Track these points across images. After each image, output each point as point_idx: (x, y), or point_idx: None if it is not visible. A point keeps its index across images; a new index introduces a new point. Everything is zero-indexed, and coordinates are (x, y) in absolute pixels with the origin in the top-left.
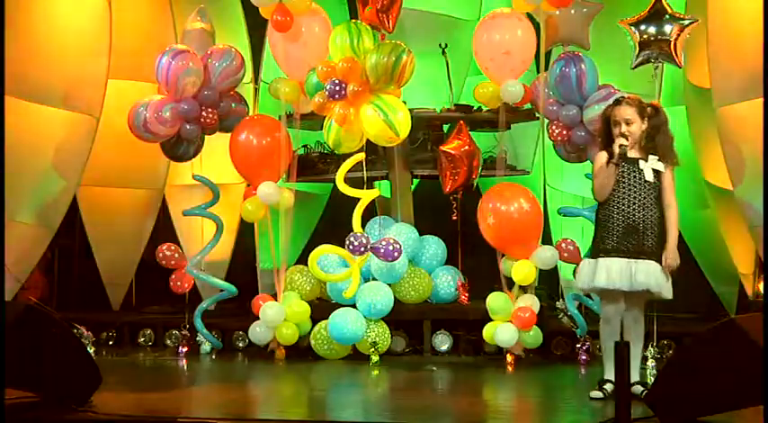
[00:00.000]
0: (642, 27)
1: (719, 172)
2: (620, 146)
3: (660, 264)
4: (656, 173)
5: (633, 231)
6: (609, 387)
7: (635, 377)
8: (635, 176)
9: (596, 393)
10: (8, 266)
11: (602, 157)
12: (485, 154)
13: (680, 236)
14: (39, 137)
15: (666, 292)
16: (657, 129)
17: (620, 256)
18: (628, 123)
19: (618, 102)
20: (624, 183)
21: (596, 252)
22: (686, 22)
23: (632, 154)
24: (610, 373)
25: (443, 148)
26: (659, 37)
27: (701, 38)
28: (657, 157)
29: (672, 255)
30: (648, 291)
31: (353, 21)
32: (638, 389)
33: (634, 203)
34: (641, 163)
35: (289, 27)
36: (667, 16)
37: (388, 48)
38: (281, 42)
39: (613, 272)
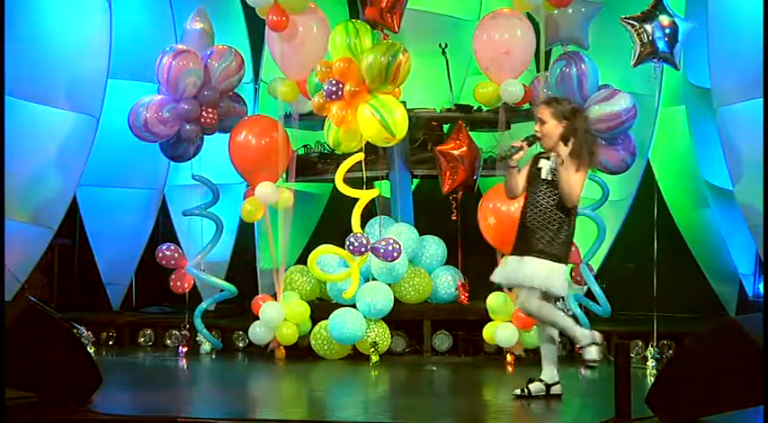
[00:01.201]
0: (641, 25)
1: (719, 172)
2: (512, 146)
3: (551, 261)
4: (557, 172)
5: (523, 228)
6: (534, 387)
7: (583, 341)
8: (538, 176)
9: (517, 391)
10: (10, 267)
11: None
12: (485, 154)
13: (680, 236)
14: (39, 137)
15: (555, 289)
16: (574, 132)
17: (512, 254)
18: (542, 123)
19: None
20: (532, 181)
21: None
22: (682, 24)
23: (544, 154)
24: (545, 373)
25: (439, 148)
26: (653, 37)
27: (701, 38)
28: (558, 155)
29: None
30: (544, 289)
31: (352, 20)
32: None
33: (529, 202)
34: (542, 161)
35: (285, 27)
36: (666, 17)
37: (384, 47)
38: (279, 42)
39: (508, 268)
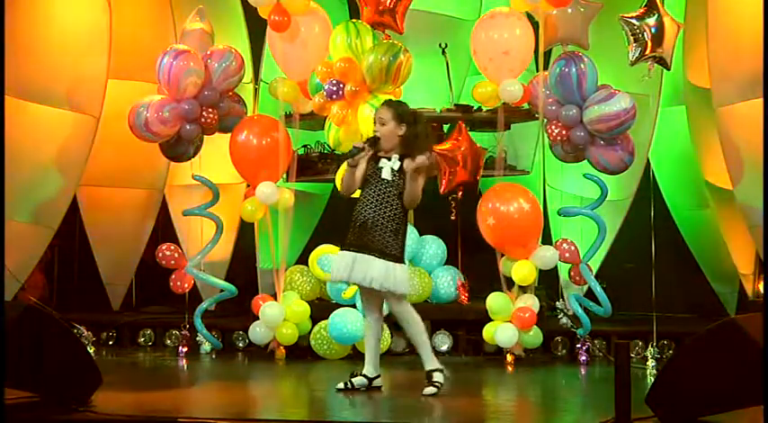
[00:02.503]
0: (637, 24)
1: (719, 172)
2: (353, 147)
3: (390, 261)
4: (398, 172)
5: (362, 227)
6: (357, 381)
7: (430, 366)
8: (378, 175)
9: (341, 385)
10: (10, 267)
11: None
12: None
13: (680, 236)
14: (39, 137)
15: (396, 286)
16: (415, 135)
17: (350, 250)
18: (382, 124)
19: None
20: (369, 181)
21: (342, 243)
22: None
23: (382, 154)
24: (367, 368)
25: (435, 148)
26: (646, 37)
27: (701, 38)
28: (399, 157)
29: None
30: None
31: (353, 21)
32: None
33: (369, 201)
34: (382, 161)
35: (287, 27)
36: (657, 16)
37: (385, 47)
38: (281, 42)
39: (342, 265)
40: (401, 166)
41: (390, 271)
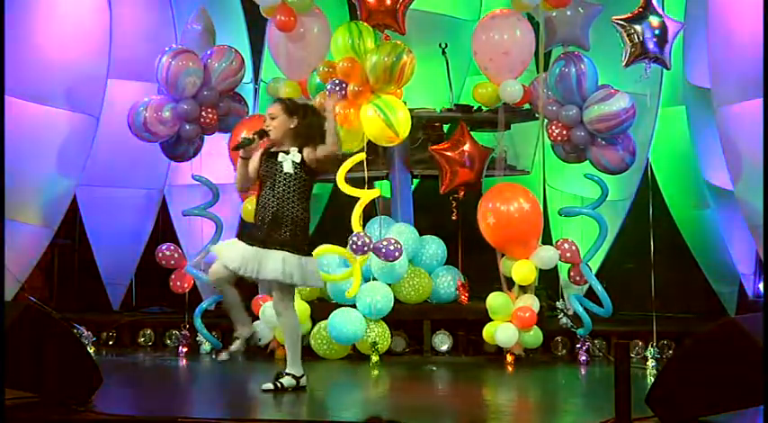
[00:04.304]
0: (631, 25)
1: (719, 172)
2: (244, 138)
3: (296, 254)
4: (299, 165)
5: (271, 223)
6: (235, 345)
7: (289, 368)
8: (279, 170)
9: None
10: (10, 267)
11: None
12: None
13: (680, 236)
14: (41, 137)
15: (315, 280)
16: (308, 126)
17: (253, 244)
18: (272, 118)
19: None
20: (270, 177)
21: (242, 234)
22: (672, 25)
23: (277, 149)
24: (239, 329)
25: (433, 148)
26: (645, 38)
27: (701, 38)
28: (298, 150)
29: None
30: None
31: (355, 22)
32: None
33: (274, 196)
34: (281, 156)
35: (293, 27)
36: (654, 17)
37: (388, 48)
38: (282, 42)
39: (248, 260)
40: (302, 158)
41: (305, 265)
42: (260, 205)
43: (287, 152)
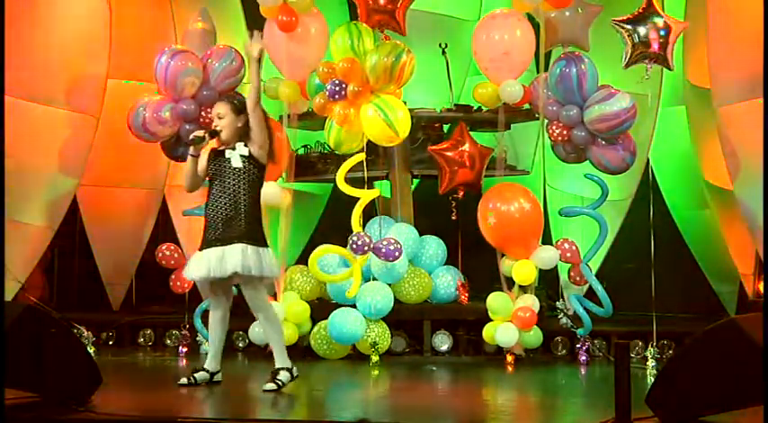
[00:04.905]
0: (633, 27)
1: (719, 172)
2: (194, 136)
3: (254, 245)
4: (247, 158)
5: (226, 220)
6: (200, 375)
7: (280, 363)
8: (227, 167)
9: (183, 380)
10: (10, 267)
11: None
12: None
13: (680, 236)
14: (42, 138)
15: (262, 270)
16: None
17: (216, 246)
18: (220, 118)
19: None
20: (218, 175)
21: (202, 243)
22: (676, 25)
23: (224, 147)
24: (210, 363)
25: (432, 148)
26: (649, 38)
27: (701, 38)
28: (244, 144)
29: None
30: (239, 274)
31: (354, 22)
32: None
33: (225, 193)
34: (228, 152)
35: (294, 27)
36: (658, 18)
37: (388, 48)
38: (281, 42)
39: (212, 261)
40: (249, 151)
41: (263, 256)
42: (211, 204)
43: (233, 148)
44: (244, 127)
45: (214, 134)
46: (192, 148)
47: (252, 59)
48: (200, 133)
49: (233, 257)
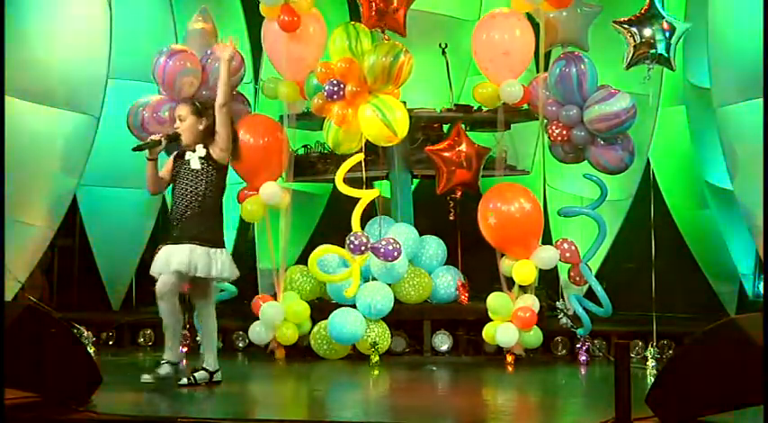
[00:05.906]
0: (635, 28)
1: (719, 172)
2: (150, 139)
3: (205, 246)
4: (206, 160)
5: (186, 220)
6: (164, 369)
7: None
8: (186, 168)
9: (147, 377)
10: (10, 267)
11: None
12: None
13: (680, 236)
14: (40, 137)
15: (210, 271)
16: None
17: (182, 243)
18: (181, 120)
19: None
20: (180, 176)
21: (165, 239)
22: (679, 26)
23: (187, 149)
24: (168, 354)
25: (429, 148)
26: (652, 40)
27: (702, 38)
28: (204, 145)
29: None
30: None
31: (352, 23)
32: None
33: (185, 194)
34: (188, 154)
35: (296, 27)
36: (660, 20)
37: (386, 48)
38: (280, 42)
39: (160, 259)
40: (207, 152)
41: (214, 257)
42: (173, 204)
43: (193, 150)
44: (208, 128)
45: (172, 138)
46: (147, 152)
47: (221, 61)
48: (155, 137)
49: (180, 256)
